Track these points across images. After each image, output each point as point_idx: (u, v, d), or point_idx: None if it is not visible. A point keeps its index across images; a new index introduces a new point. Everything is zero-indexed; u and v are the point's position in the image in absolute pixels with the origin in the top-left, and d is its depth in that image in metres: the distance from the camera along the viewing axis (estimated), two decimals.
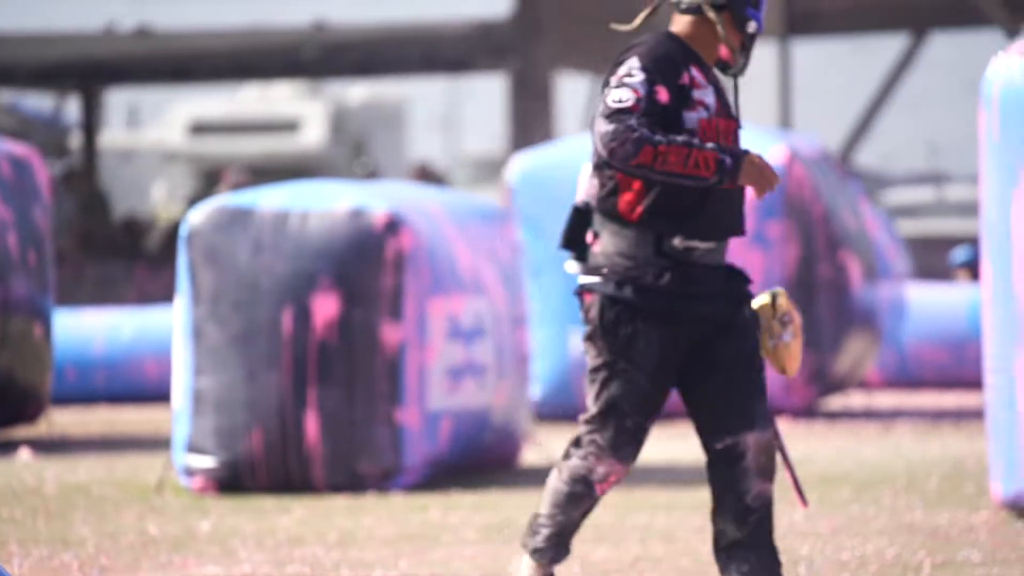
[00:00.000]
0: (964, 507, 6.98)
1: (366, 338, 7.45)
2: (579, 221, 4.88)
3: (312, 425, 7.39)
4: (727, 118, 4.91)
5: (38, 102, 24.76)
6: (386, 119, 28.30)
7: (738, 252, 8.53)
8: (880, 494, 7.37)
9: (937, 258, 16.63)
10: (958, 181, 25.86)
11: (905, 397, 12.77)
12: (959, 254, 14.83)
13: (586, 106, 20.30)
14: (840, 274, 11.37)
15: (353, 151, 26.39)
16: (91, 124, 21.79)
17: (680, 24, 4.89)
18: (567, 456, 5.02)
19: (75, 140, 23.18)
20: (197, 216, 7.73)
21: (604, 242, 4.83)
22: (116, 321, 12.90)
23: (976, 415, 8.87)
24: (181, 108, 28.18)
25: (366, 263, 7.48)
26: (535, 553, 5.03)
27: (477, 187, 22.84)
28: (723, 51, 4.89)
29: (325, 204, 7.76)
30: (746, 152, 4.82)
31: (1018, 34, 15.86)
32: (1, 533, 6.47)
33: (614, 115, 4.76)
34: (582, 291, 4.90)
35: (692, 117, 4.83)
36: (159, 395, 10.73)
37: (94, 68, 20.41)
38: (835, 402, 12.07)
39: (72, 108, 23.14)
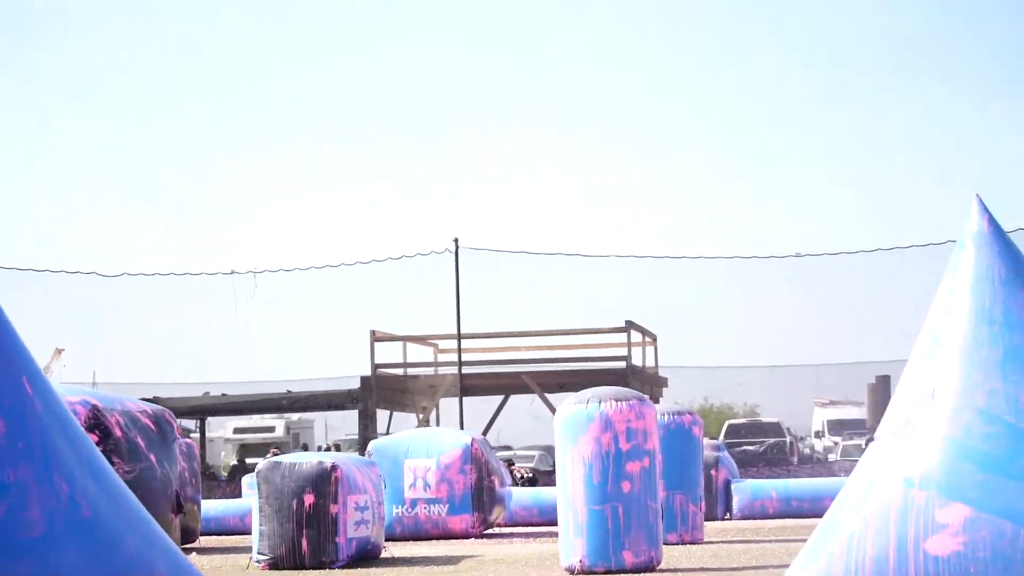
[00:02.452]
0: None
1: (323, 512, 17.14)
2: None
3: (305, 544, 17.75)
4: None
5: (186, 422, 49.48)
6: (306, 428, 56.72)
7: (455, 476, 21.59)
8: None
9: None
10: None
11: None
12: None
13: (387, 426, 41.52)
14: (493, 484, 23.18)
15: (294, 438, 53.50)
16: (203, 429, 42.45)
17: None
18: None
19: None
20: (261, 464, 17.62)
21: None
22: (220, 503, 26.80)
23: None
24: (231, 422, 56.18)
25: (324, 482, 17.35)
26: None
27: (350, 451, 38.65)
28: None
29: (307, 459, 17.82)
30: None
31: None
32: None
33: None
34: None
35: None
36: (235, 531, 24.19)
37: (204, 410, 40.83)
38: None
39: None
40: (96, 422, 10.02)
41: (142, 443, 10.53)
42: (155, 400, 40.71)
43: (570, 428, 14.83)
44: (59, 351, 50.82)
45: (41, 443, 7.01)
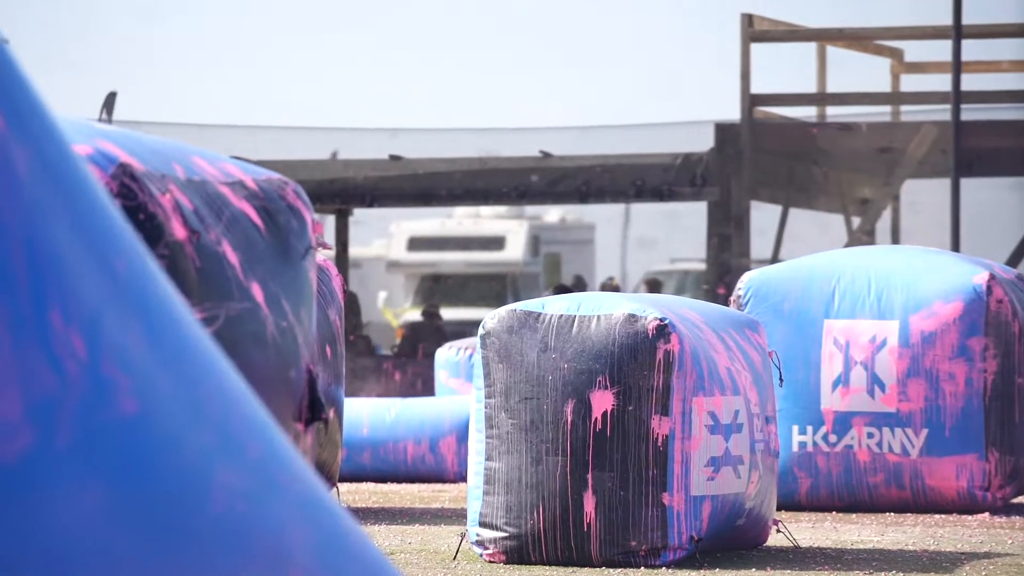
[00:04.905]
0: None
1: (640, 431, 17.54)
2: None
3: (589, 505, 17.51)
4: None
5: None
6: (578, 238, 57.53)
7: (944, 364, 22.27)
8: None
9: None
10: None
11: None
12: None
13: (775, 244, 42.40)
14: None
15: (549, 265, 54.26)
16: (345, 240, 42.96)
17: None
18: None
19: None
20: (491, 319, 18.12)
21: None
22: (381, 407, 27.81)
23: None
24: (401, 225, 58.07)
25: (640, 363, 17.63)
26: None
27: (685, 295, 43.07)
28: None
29: (604, 309, 18.01)
30: None
31: None
32: None
33: None
34: None
35: None
36: (416, 473, 25.98)
37: (351, 191, 40.79)
38: None
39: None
40: (127, 203, 10.31)
41: (233, 256, 10.81)
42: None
43: None
44: (110, 97, 51.89)
45: (25, 244, 7.16)
